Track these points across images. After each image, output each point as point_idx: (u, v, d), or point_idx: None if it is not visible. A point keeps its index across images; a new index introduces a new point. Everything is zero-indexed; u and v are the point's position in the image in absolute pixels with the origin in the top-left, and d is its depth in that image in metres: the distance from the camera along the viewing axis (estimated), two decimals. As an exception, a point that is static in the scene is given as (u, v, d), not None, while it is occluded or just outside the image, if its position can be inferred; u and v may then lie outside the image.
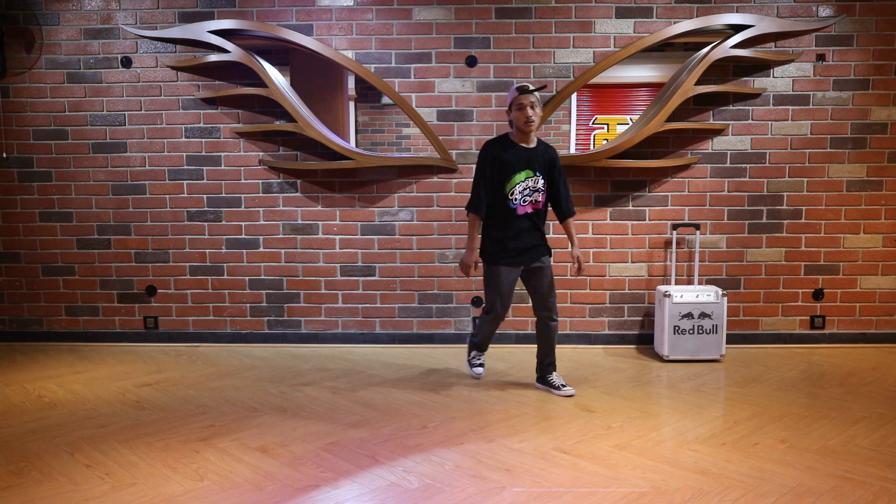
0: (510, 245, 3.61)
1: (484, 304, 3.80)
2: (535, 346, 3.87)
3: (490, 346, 4.72)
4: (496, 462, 2.84)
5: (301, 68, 4.98)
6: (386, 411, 3.48)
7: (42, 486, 2.64)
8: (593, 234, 4.71)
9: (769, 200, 4.67)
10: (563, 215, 3.74)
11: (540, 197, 3.64)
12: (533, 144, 3.62)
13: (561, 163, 3.71)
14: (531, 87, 3.50)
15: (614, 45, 4.56)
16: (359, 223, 4.76)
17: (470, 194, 3.67)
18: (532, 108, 3.50)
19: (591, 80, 4.48)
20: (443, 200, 4.71)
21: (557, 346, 4.68)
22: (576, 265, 3.73)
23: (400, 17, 4.57)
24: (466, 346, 4.25)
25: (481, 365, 4.09)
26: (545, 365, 3.83)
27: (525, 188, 3.59)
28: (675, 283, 4.65)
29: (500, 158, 3.57)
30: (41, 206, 4.83)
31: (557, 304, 3.95)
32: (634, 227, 4.71)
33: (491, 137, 3.86)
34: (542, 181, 3.62)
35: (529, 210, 3.62)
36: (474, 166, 3.65)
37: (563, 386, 3.76)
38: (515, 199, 3.59)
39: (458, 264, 3.87)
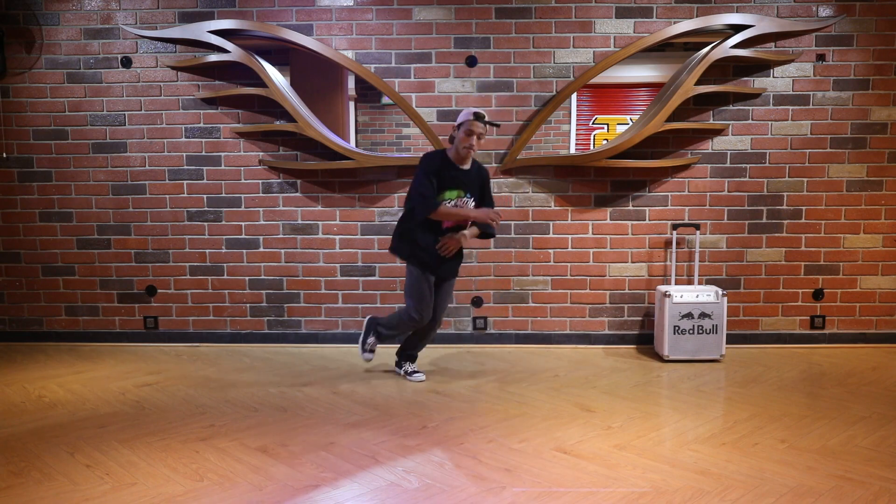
0: (434, 254, 3.74)
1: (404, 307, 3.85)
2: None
3: (490, 346, 4.74)
4: (496, 462, 2.84)
5: (301, 68, 4.98)
6: (386, 411, 3.48)
7: (42, 486, 2.64)
8: (593, 234, 4.71)
9: (769, 200, 4.67)
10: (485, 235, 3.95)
11: None
12: (467, 167, 3.77)
13: (491, 182, 4.01)
14: (486, 118, 3.64)
15: (614, 45, 4.56)
16: (359, 223, 4.76)
17: (416, 197, 3.66)
18: (478, 137, 3.65)
19: (591, 80, 4.48)
20: (443, 200, 4.71)
21: (556, 345, 4.75)
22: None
23: (400, 17, 4.57)
24: (373, 338, 4.05)
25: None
26: (408, 354, 4.08)
27: (453, 205, 3.72)
28: (675, 283, 4.65)
29: (438, 174, 3.68)
30: (41, 206, 4.83)
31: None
32: (634, 227, 4.71)
33: (430, 151, 3.87)
34: (472, 202, 3.79)
35: (451, 225, 3.78)
36: (414, 175, 3.71)
37: (415, 372, 4.03)
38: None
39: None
